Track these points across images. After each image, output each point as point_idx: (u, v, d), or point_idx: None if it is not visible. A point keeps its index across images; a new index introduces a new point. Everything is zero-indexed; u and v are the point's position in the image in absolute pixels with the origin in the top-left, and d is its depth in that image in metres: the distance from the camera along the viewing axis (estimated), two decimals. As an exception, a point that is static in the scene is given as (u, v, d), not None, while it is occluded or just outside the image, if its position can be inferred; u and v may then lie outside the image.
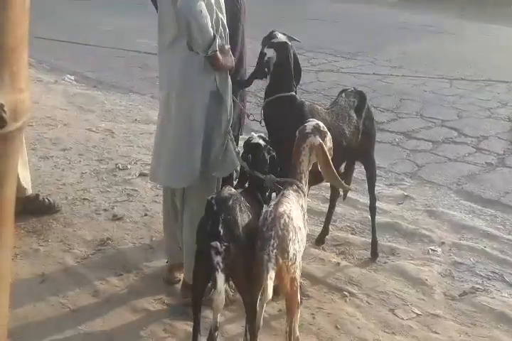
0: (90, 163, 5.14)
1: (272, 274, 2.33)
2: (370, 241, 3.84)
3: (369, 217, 3.94)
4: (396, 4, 15.61)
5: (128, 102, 7.16)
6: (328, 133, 2.88)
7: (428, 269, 3.71)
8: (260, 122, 3.32)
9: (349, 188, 2.96)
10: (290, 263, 2.45)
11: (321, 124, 2.87)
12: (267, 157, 2.99)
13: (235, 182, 3.36)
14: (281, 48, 3.22)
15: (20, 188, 3.85)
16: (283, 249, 2.42)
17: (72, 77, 8.15)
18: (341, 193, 3.95)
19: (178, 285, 3.37)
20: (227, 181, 3.31)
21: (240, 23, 3.56)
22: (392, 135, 6.16)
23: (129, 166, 5.06)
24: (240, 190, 2.88)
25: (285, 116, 3.21)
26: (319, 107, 3.42)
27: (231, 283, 2.66)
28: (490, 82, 8.42)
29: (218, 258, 2.36)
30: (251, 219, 2.60)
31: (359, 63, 9.42)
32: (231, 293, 3.15)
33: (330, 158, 2.88)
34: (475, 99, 7.58)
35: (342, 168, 3.49)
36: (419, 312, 3.29)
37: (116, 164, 5.09)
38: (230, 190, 2.65)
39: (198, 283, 2.62)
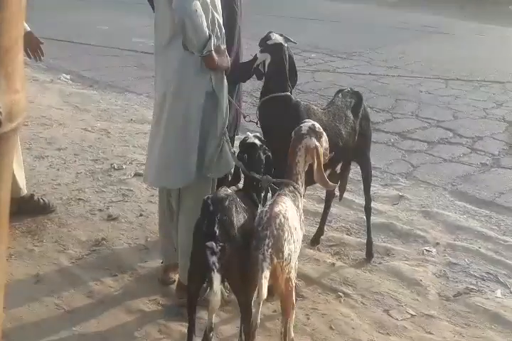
0: (85, 163, 5.13)
1: (266, 273, 2.33)
2: (365, 241, 3.85)
3: (364, 217, 3.94)
4: (395, 4, 15.62)
5: (124, 102, 7.15)
6: (324, 133, 2.88)
7: (423, 270, 3.72)
8: (257, 123, 3.32)
9: (334, 186, 2.96)
10: (285, 264, 2.45)
11: (317, 125, 2.87)
12: (263, 157, 2.99)
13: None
14: (276, 50, 3.23)
15: (15, 188, 3.84)
16: (278, 249, 2.42)
17: (68, 77, 8.14)
18: (337, 194, 3.95)
19: (173, 286, 3.36)
20: (222, 181, 3.31)
21: (236, 23, 3.57)
22: (388, 135, 6.17)
23: (124, 166, 5.06)
24: (235, 190, 2.88)
25: (280, 116, 3.21)
26: (315, 107, 3.42)
27: (226, 283, 2.66)
28: (485, 83, 8.44)
29: (214, 259, 2.36)
30: (247, 220, 2.60)
31: (355, 63, 9.43)
32: (226, 294, 3.15)
33: (326, 158, 2.89)
34: (470, 100, 7.59)
35: (338, 168, 3.49)
36: (413, 313, 3.29)
37: (112, 164, 5.09)
38: (226, 191, 2.65)
39: (193, 284, 2.62)
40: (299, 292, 3.30)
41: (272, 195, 2.82)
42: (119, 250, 3.79)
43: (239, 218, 2.55)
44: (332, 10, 14.24)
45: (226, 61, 3.01)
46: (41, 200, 4.20)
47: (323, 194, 4.31)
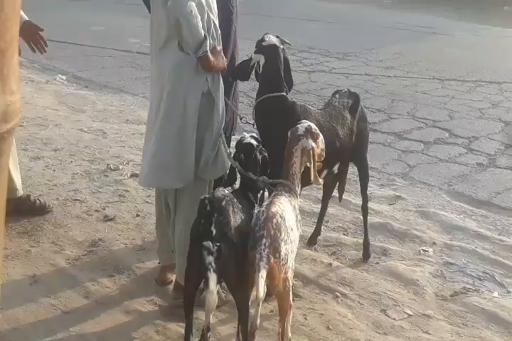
0: (82, 164, 5.13)
1: (263, 273, 2.33)
2: (362, 241, 3.85)
3: (361, 217, 3.94)
4: (390, 5, 15.65)
5: (120, 102, 7.15)
6: (321, 134, 2.88)
7: (420, 270, 3.72)
8: (253, 125, 3.32)
9: (320, 183, 2.96)
10: (282, 263, 2.45)
11: (313, 126, 2.87)
12: (259, 157, 2.99)
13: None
14: (270, 51, 3.24)
15: (11, 189, 3.83)
16: (275, 249, 2.42)
17: (64, 77, 8.13)
18: (335, 195, 3.95)
19: (170, 287, 3.36)
20: (219, 182, 3.31)
21: (232, 24, 3.57)
22: (384, 135, 6.17)
23: (120, 167, 5.05)
24: (231, 191, 2.88)
25: (276, 116, 3.21)
26: (312, 108, 3.42)
27: (223, 284, 2.66)
28: (481, 83, 8.45)
29: (210, 258, 2.36)
30: (243, 221, 2.60)
31: (351, 64, 9.44)
32: (223, 294, 3.15)
33: (321, 159, 2.89)
34: (466, 100, 7.60)
35: (335, 168, 3.49)
36: (410, 313, 3.30)
37: (108, 164, 5.08)
38: (223, 191, 2.65)
39: (190, 284, 2.62)
40: (296, 292, 3.31)
41: (269, 195, 2.81)
42: (115, 250, 3.79)
43: (236, 218, 2.55)
44: (328, 10, 14.26)
45: (222, 62, 3.00)
46: (37, 201, 4.19)
47: (319, 194, 4.31)
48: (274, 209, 2.54)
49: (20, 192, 4.12)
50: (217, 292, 2.46)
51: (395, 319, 3.24)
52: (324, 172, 3.38)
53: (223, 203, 2.52)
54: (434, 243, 4.05)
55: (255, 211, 2.73)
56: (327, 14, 13.68)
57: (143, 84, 7.62)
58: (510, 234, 4.25)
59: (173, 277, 3.37)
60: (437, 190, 4.97)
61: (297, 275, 3.41)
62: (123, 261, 3.68)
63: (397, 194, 4.83)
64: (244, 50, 3.77)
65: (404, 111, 7.06)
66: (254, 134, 3.08)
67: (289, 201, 2.70)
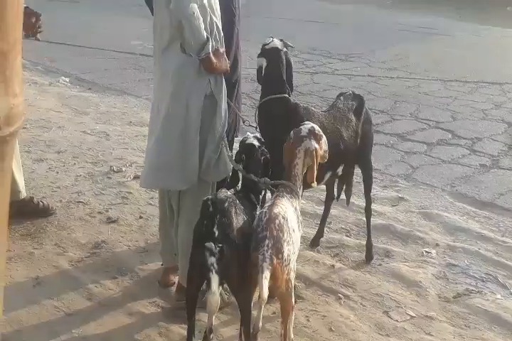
0: (85, 166, 5.13)
1: (266, 274, 2.33)
2: (365, 243, 3.84)
3: (364, 219, 3.94)
4: (392, 6, 15.64)
5: (123, 104, 7.16)
6: (324, 136, 2.88)
7: (422, 271, 3.71)
8: (256, 127, 3.32)
9: (314, 186, 2.97)
10: (284, 264, 2.45)
11: (316, 127, 2.87)
12: (261, 158, 2.98)
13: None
14: (272, 54, 3.25)
15: (14, 191, 3.84)
16: (278, 250, 2.43)
17: (67, 79, 8.15)
18: (336, 195, 3.95)
19: (173, 288, 3.36)
20: (221, 183, 3.31)
21: (234, 26, 3.57)
22: (387, 137, 6.17)
23: (123, 169, 5.06)
24: (234, 192, 2.88)
25: (278, 118, 3.21)
26: (315, 109, 3.42)
27: (226, 285, 2.67)
28: (483, 84, 8.44)
29: (212, 260, 2.37)
30: (246, 222, 2.61)
31: (354, 65, 9.44)
32: (226, 296, 3.15)
33: (324, 160, 2.89)
34: (469, 101, 7.59)
35: (339, 170, 3.49)
36: (413, 314, 3.29)
37: (111, 166, 5.09)
38: (225, 193, 2.65)
39: (193, 285, 2.62)
40: (298, 294, 3.31)
41: (271, 196, 2.82)
42: (118, 252, 3.79)
43: (238, 220, 2.56)
44: (330, 12, 14.25)
45: (225, 64, 3.01)
46: (41, 203, 4.20)
47: (322, 196, 4.31)
48: (276, 210, 2.55)
49: (24, 195, 4.13)
50: (220, 294, 2.46)
51: (397, 320, 3.24)
52: (328, 174, 3.38)
53: (226, 204, 2.52)
54: (437, 244, 4.05)
55: (257, 212, 2.73)
56: (329, 15, 13.67)
57: (146, 86, 7.63)
58: (514, 235, 4.24)
59: (175, 279, 3.38)
60: (440, 192, 4.96)
61: (300, 276, 3.41)
62: (126, 262, 3.68)
63: (399, 195, 4.82)
64: (247, 52, 3.78)
65: (407, 113, 7.06)
66: (258, 135, 3.09)
67: (291, 202, 2.70)
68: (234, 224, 2.51)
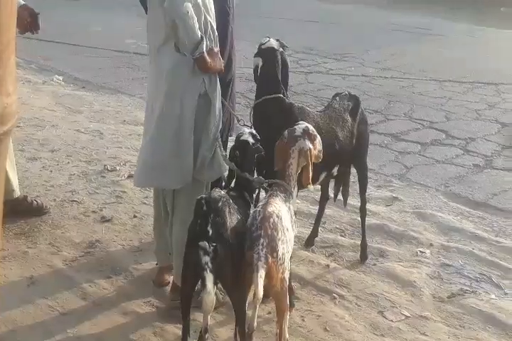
0: (79, 165, 5.12)
1: (262, 273, 2.33)
2: (360, 243, 3.85)
3: (358, 218, 3.95)
4: (386, 5, 15.65)
5: (117, 103, 7.14)
6: (318, 136, 2.88)
7: (417, 271, 3.72)
8: (251, 127, 3.32)
9: (311, 187, 2.97)
10: (279, 263, 2.45)
11: (311, 127, 2.87)
12: (255, 156, 2.97)
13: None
14: (268, 54, 3.25)
15: (8, 190, 3.83)
16: (272, 248, 2.43)
17: (61, 78, 8.12)
18: (331, 196, 3.95)
19: (168, 288, 3.35)
20: (215, 183, 3.31)
21: (228, 25, 3.57)
22: (381, 137, 6.17)
23: (117, 167, 5.05)
24: (227, 190, 2.88)
25: (273, 118, 3.21)
26: (310, 109, 3.42)
27: (220, 285, 2.66)
28: (478, 84, 8.46)
29: (206, 259, 2.36)
30: (239, 222, 2.60)
31: (348, 65, 9.44)
32: (221, 296, 3.14)
33: (319, 160, 2.89)
34: (463, 101, 7.61)
35: (335, 170, 3.49)
36: (408, 314, 3.30)
37: (105, 165, 5.08)
38: (219, 192, 2.65)
39: (187, 284, 2.62)
40: (293, 294, 3.30)
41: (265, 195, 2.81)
42: (113, 252, 3.78)
43: (232, 219, 2.55)
44: (325, 12, 14.25)
45: (219, 63, 3.01)
46: (34, 202, 4.19)
47: (317, 196, 4.31)
48: (270, 209, 2.55)
49: (17, 193, 4.12)
50: (215, 293, 2.46)
51: (392, 320, 3.24)
52: (323, 175, 3.38)
53: (220, 204, 2.52)
54: (431, 244, 4.06)
55: (251, 211, 2.73)
56: (323, 15, 13.66)
57: (140, 84, 7.61)
58: (507, 235, 4.25)
59: (170, 278, 3.37)
60: (434, 192, 4.97)
61: (294, 276, 3.41)
62: (120, 262, 3.67)
63: (394, 195, 4.83)
64: (241, 51, 3.77)
65: (401, 113, 7.07)
66: (253, 131, 3.07)
67: (284, 201, 2.70)
68: (228, 223, 2.51)
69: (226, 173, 3.19)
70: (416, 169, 5.45)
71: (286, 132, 2.84)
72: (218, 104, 3.07)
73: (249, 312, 2.63)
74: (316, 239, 3.98)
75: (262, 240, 2.41)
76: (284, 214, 2.62)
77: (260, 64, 3.25)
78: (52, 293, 3.33)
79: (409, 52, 10.39)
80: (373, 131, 6.21)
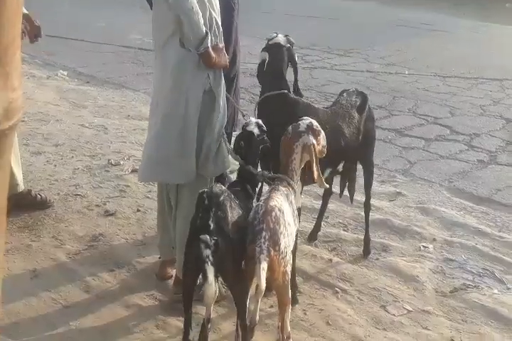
0: (83, 159, 5.13)
1: (264, 265, 2.33)
2: (363, 237, 3.85)
3: (361, 213, 3.95)
4: (392, 2, 15.61)
5: (121, 98, 7.15)
6: (322, 131, 2.88)
7: (419, 266, 3.72)
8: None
9: (326, 186, 2.98)
10: (281, 256, 2.46)
11: (315, 123, 2.87)
12: (259, 147, 2.97)
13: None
14: (274, 49, 3.25)
15: (12, 185, 3.84)
16: (275, 242, 2.43)
17: (65, 73, 8.13)
18: (335, 191, 3.95)
19: (171, 281, 3.36)
20: (219, 178, 3.32)
21: (233, 21, 3.58)
22: (385, 132, 6.17)
23: (121, 162, 5.06)
24: (230, 182, 2.88)
25: (278, 114, 3.21)
26: (316, 106, 3.41)
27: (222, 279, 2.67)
28: (482, 80, 8.44)
29: (208, 252, 2.36)
30: (241, 217, 2.61)
31: (352, 60, 9.43)
32: (223, 289, 3.15)
33: (322, 156, 2.89)
34: (467, 97, 7.59)
35: (340, 167, 3.48)
36: (410, 309, 3.30)
37: (109, 160, 5.09)
38: (220, 187, 2.65)
39: (188, 277, 2.62)
40: (296, 289, 3.31)
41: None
42: (116, 245, 3.79)
43: (233, 214, 2.56)
44: (330, 7, 14.22)
45: (224, 59, 3.01)
46: (38, 196, 4.20)
47: (320, 190, 4.31)
48: (272, 203, 2.55)
49: (22, 188, 4.13)
50: (218, 287, 2.47)
51: (394, 315, 3.24)
52: (328, 171, 3.37)
53: (221, 198, 2.52)
54: (434, 239, 4.06)
55: (253, 204, 2.74)
56: (328, 10, 13.63)
57: (144, 79, 7.62)
58: (510, 230, 4.25)
59: (173, 272, 3.38)
60: (438, 187, 4.97)
61: (297, 270, 3.41)
62: (123, 255, 3.68)
63: (397, 190, 4.83)
64: (246, 47, 3.77)
65: (406, 108, 7.06)
66: (260, 121, 3.04)
67: (287, 196, 2.71)
68: (229, 217, 2.51)
69: (229, 170, 3.19)
70: (420, 164, 5.44)
71: (290, 127, 2.85)
72: (223, 100, 3.07)
73: (251, 306, 2.64)
74: (318, 233, 3.99)
75: (264, 233, 2.42)
76: (286, 208, 2.62)
77: (267, 59, 3.25)
78: (55, 286, 3.35)
79: (413, 47, 10.37)
80: (377, 127, 6.13)
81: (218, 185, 2.68)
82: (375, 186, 4.77)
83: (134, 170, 4.82)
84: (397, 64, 9.22)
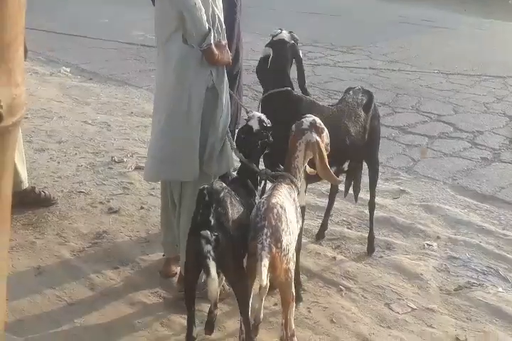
0: (86, 156, 5.13)
1: (265, 262, 2.33)
2: (367, 235, 3.84)
3: (365, 211, 3.94)
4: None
5: (124, 95, 7.15)
6: (325, 129, 2.87)
7: (423, 264, 3.72)
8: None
9: (339, 182, 2.97)
10: (283, 254, 2.46)
11: (318, 120, 2.86)
12: (258, 142, 2.95)
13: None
14: (278, 46, 3.24)
15: (16, 182, 3.84)
16: (276, 239, 2.43)
17: (68, 70, 8.14)
18: (341, 189, 3.94)
19: (175, 279, 3.37)
20: (223, 176, 3.31)
21: (236, 17, 3.57)
22: (389, 129, 6.15)
23: (125, 159, 5.06)
24: (232, 178, 2.87)
25: (281, 111, 3.19)
26: (320, 103, 3.40)
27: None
28: (486, 77, 8.43)
29: (209, 247, 2.36)
30: (242, 213, 2.60)
31: (355, 57, 9.42)
32: (227, 287, 3.15)
33: (326, 153, 2.88)
34: (471, 94, 7.58)
35: (345, 166, 3.46)
36: (414, 307, 3.30)
37: (112, 157, 5.09)
38: (221, 183, 2.64)
39: (190, 273, 2.62)
40: (300, 287, 3.30)
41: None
42: (120, 243, 3.80)
43: (233, 211, 2.55)
44: (332, 4, 14.20)
45: (227, 56, 3.00)
46: (42, 193, 4.20)
47: (324, 188, 4.31)
48: (274, 200, 2.55)
49: (26, 185, 4.13)
50: (222, 285, 2.47)
51: (398, 313, 3.24)
52: (333, 169, 3.36)
53: (221, 195, 2.51)
54: (438, 237, 4.05)
55: (255, 200, 2.73)
56: (331, 7, 13.63)
57: (147, 76, 7.62)
58: (515, 228, 4.25)
59: (177, 269, 3.38)
60: (442, 185, 4.96)
61: (301, 268, 3.41)
62: (127, 253, 3.68)
63: (401, 188, 4.82)
64: (248, 44, 3.76)
65: (409, 105, 7.05)
66: (263, 116, 3.01)
67: (289, 193, 2.71)
68: (229, 214, 2.51)
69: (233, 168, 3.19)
70: (423, 162, 5.43)
71: (294, 125, 2.84)
72: (226, 97, 3.06)
73: (255, 305, 2.63)
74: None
75: (266, 230, 2.42)
76: (288, 205, 2.62)
77: (271, 55, 3.23)
78: (59, 283, 3.35)
79: (416, 44, 10.35)
80: (381, 124, 6.18)
81: (219, 181, 2.67)
82: (379, 184, 4.75)
83: (137, 168, 4.82)
84: (400, 61, 9.21)
